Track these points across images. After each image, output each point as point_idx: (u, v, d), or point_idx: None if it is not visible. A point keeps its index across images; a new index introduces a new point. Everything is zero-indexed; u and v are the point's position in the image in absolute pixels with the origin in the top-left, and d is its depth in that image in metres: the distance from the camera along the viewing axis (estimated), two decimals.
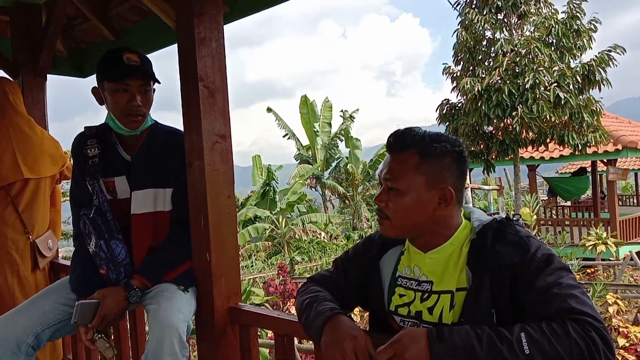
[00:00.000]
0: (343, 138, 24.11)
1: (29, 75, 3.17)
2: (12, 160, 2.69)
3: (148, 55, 2.06)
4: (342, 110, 24.69)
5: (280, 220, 20.20)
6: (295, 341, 1.94)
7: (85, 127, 2.12)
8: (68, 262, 3.13)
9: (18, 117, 2.80)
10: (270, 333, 5.29)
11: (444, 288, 1.34)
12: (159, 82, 2.03)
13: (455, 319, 1.30)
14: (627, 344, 5.01)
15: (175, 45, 2.09)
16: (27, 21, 3.15)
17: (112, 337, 1.92)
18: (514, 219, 1.36)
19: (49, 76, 3.30)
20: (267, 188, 21.86)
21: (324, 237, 20.46)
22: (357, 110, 24.64)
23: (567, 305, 1.13)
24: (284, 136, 24.30)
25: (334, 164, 24.69)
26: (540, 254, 1.24)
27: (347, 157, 24.28)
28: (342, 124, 24.12)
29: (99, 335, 1.86)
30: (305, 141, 24.64)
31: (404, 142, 1.35)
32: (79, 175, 2.08)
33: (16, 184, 2.72)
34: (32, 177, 2.74)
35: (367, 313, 1.58)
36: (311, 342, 1.48)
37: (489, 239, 1.30)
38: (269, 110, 23.99)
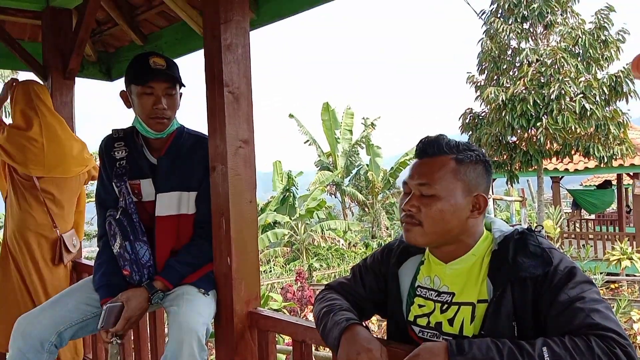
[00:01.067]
0: (364, 145, 24.07)
1: (58, 78, 3.24)
2: (39, 156, 2.77)
3: (175, 60, 2.09)
4: (363, 118, 24.67)
5: (300, 226, 20.21)
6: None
7: (112, 130, 2.15)
8: (90, 262, 3.18)
9: (52, 116, 2.88)
10: (287, 339, 5.29)
11: (465, 300, 1.32)
12: (184, 86, 2.06)
13: (476, 332, 1.28)
14: None
15: (200, 51, 2.12)
16: (57, 25, 3.23)
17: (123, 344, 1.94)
18: (536, 230, 1.33)
19: (76, 79, 3.38)
20: (287, 194, 21.91)
21: (342, 244, 20.40)
22: (379, 117, 24.59)
23: (590, 320, 1.11)
24: (305, 142, 24.35)
25: (354, 171, 24.63)
26: (562, 267, 1.22)
27: (367, 165, 24.22)
28: (364, 131, 24.09)
29: (117, 340, 1.88)
30: (326, 148, 24.67)
31: (439, 147, 1.33)
32: (106, 177, 2.11)
33: (45, 180, 2.81)
34: (57, 176, 2.81)
35: (385, 322, 1.57)
36: (327, 349, 1.48)
37: (511, 251, 1.28)
38: (291, 116, 24.07)
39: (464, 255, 1.34)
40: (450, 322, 1.33)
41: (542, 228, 1.37)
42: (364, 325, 1.35)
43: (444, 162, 1.32)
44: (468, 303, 1.31)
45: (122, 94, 2.08)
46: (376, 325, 6.55)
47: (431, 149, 1.34)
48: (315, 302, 1.54)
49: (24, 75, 3.25)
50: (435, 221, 1.31)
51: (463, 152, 1.33)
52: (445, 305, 1.34)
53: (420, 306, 1.40)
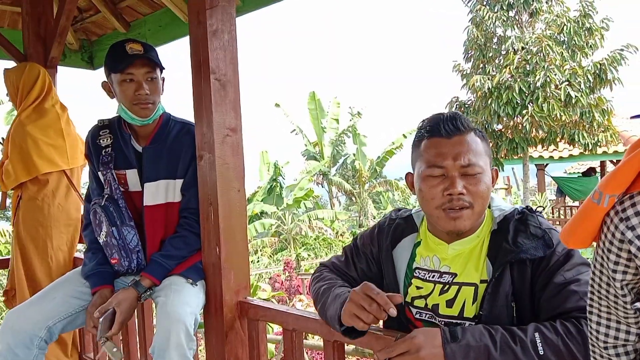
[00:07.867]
0: (350, 135, 24.06)
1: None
2: (62, 148, 2.74)
3: (159, 48, 2.05)
4: (350, 107, 24.64)
5: (287, 216, 20.20)
6: None
7: (98, 120, 2.12)
8: (80, 254, 3.14)
9: (63, 107, 2.84)
10: (276, 328, 5.29)
11: (468, 280, 1.30)
12: (163, 69, 2.02)
13: (477, 312, 1.27)
14: None
15: (185, 38, 2.08)
16: (38, 12, 3.15)
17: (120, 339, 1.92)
18: (537, 211, 1.31)
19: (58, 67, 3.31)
20: (274, 184, 21.85)
21: (330, 233, 20.43)
22: (365, 107, 24.58)
23: (583, 303, 1.11)
24: (291, 131, 24.28)
25: (341, 161, 24.63)
26: (561, 249, 1.21)
27: (354, 154, 24.23)
28: (350, 120, 24.07)
29: (106, 339, 1.84)
30: (312, 137, 24.62)
31: (464, 123, 1.28)
32: (95, 168, 2.09)
33: (73, 172, 2.80)
34: (74, 167, 2.80)
35: None
36: (316, 337, 1.46)
37: (511, 231, 1.26)
38: (277, 105, 23.96)
39: (470, 235, 1.32)
40: (450, 303, 1.31)
41: (543, 209, 1.36)
42: None
43: (475, 139, 1.28)
44: (471, 284, 1.29)
45: (104, 85, 2.06)
46: None
47: (461, 125, 1.27)
48: (313, 280, 1.52)
49: (4, 64, 3.17)
50: (484, 200, 1.27)
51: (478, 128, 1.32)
52: (446, 286, 1.32)
53: (417, 288, 1.37)
